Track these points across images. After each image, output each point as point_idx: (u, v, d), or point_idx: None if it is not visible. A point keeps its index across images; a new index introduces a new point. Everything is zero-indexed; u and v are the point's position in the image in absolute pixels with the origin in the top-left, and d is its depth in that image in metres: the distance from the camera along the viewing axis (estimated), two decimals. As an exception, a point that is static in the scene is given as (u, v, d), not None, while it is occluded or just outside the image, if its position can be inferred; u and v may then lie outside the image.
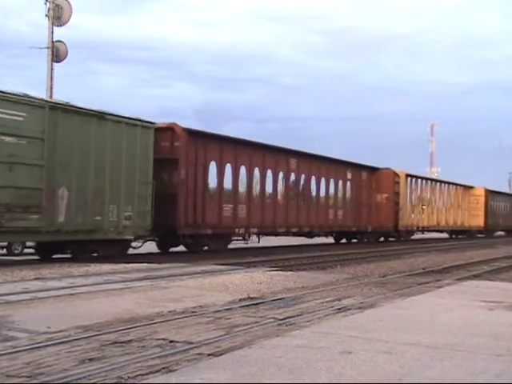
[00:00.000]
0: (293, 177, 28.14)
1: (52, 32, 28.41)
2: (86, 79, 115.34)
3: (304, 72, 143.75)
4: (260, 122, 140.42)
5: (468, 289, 12.66)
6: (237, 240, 25.16)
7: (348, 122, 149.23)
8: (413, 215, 40.49)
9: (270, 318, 8.35)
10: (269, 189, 26.57)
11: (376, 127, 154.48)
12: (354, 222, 33.10)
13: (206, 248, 22.77)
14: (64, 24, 28.56)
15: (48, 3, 28.22)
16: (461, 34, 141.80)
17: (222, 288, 11.97)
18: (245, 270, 15.72)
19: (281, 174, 27.14)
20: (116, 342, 6.59)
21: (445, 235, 50.45)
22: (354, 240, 34.49)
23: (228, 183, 23.78)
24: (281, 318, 8.41)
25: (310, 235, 30.81)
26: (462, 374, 5.56)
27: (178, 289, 11.56)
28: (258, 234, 26.33)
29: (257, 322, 8.03)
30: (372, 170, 35.48)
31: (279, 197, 27.30)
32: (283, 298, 10.52)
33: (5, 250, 20.74)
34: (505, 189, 79.21)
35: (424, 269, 18.12)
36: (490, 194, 55.76)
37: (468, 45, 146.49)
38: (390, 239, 38.14)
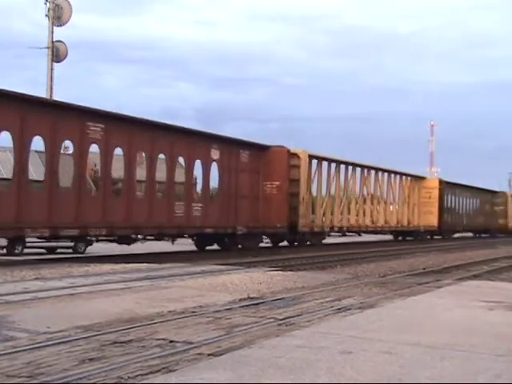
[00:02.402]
0: (94, 151, 19.25)
1: (52, 32, 28.48)
2: (89, 79, 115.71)
3: (306, 72, 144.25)
4: (261, 122, 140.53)
5: (468, 289, 12.66)
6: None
7: (349, 122, 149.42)
8: (327, 212, 30.95)
9: (270, 318, 8.35)
10: (36, 169, 18.58)
11: (376, 127, 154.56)
12: (223, 221, 23.69)
13: None
14: (64, 24, 28.63)
15: (48, 3, 28.28)
16: (463, 34, 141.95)
17: (221, 288, 11.96)
18: (245, 270, 15.71)
19: (66, 145, 18.95)
20: (116, 342, 6.58)
21: (387, 237, 41.43)
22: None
23: None
24: (281, 318, 8.40)
25: (124, 240, 21.10)
26: (462, 374, 5.56)
27: (178, 289, 11.55)
28: None
29: (257, 322, 8.03)
30: (258, 148, 26.04)
31: (63, 181, 18.57)
32: (283, 298, 10.52)
33: (4, 249, 20.73)
34: (505, 189, 75.64)
35: (424, 269, 18.12)
36: (447, 186, 45.17)
37: (470, 45, 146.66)
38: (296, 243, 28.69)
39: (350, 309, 9.32)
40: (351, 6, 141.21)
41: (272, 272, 15.48)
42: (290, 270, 16.30)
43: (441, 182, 44.48)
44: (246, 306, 9.61)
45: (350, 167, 33.44)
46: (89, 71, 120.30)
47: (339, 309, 9.31)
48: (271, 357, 5.89)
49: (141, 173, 21.08)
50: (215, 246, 24.92)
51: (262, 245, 27.02)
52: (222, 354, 6.04)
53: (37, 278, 12.56)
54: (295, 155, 27.41)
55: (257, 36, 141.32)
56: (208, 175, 23.55)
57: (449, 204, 45.77)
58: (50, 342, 6.52)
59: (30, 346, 6.34)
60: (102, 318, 8.11)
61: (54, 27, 28.41)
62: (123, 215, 19.61)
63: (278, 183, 26.29)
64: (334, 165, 31.58)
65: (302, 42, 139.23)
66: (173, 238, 24.88)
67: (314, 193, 30.37)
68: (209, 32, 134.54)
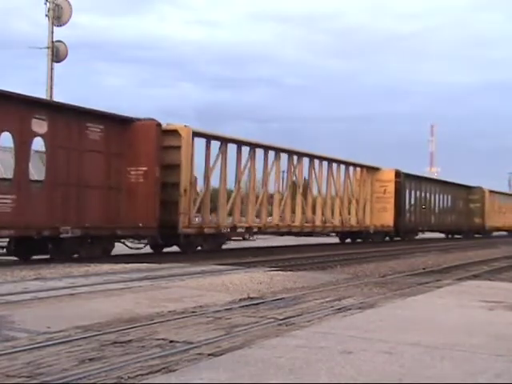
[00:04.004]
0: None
1: (52, 32, 28.48)
2: (90, 79, 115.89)
3: (307, 72, 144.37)
4: (262, 122, 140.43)
5: (468, 289, 12.66)
6: None
7: (349, 122, 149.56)
8: (235, 209, 24.52)
9: (270, 318, 8.35)
10: None
11: (377, 127, 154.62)
12: (52, 220, 17.08)
13: None
14: (64, 24, 28.64)
15: (48, 3, 28.28)
16: (463, 34, 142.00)
17: (221, 288, 11.96)
18: (245, 270, 15.71)
19: None
20: (116, 342, 6.58)
21: (331, 239, 35.24)
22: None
23: None
24: (281, 318, 8.40)
25: None
26: (462, 374, 5.56)
27: (178, 289, 11.55)
28: None
29: (257, 322, 8.03)
30: (117, 122, 19.23)
31: None
32: (283, 298, 10.51)
33: (5, 249, 20.69)
34: (505, 189, 73.09)
35: (424, 269, 18.13)
36: (408, 179, 38.55)
37: (470, 45, 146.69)
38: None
39: (350, 309, 9.32)
40: (352, 6, 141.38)
41: (272, 272, 15.47)
42: (290, 270, 16.29)
43: (398, 173, 37.01)
44: (246, 306, 9.61)
45: (272, 152, 26.80)
46: (90, 71, 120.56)
47: (339, 309, 9.31)
48: (271, 357, 5.89)
49: None
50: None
51: (132, 252, 20.72)
52: (222, 354, 6.04)
53: (37, 278, 12.56)
54: (174, 132, 20.81)
55: (258, 36, 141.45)
56: (25, 155, 16.59)
57: (411, 200, 39.48)
58: (50, 342, 6.52)
59: (30, 346, 6.34)
60: (101, 318, 8.11)
61: (54, 27, 28.42)
62: None
63: (144, 169, 19.46)
64: (246, 149, 24.99)
65: (303, 42, 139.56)
66: None
67: (217, 184, 24.43)
68: (210, 32, 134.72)
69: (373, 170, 36.04)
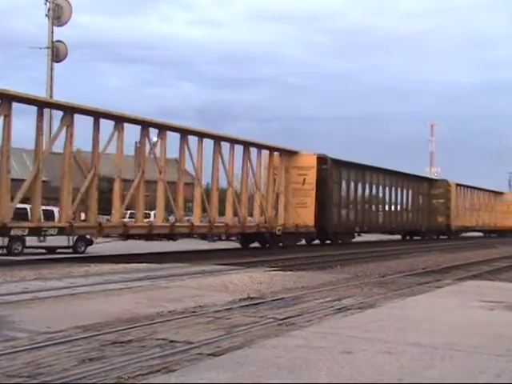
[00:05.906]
0: None
1: (52, 32, 28.52)
2: (92, 78, 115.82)
3: (308, 72, 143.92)
4: (263, 121, 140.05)
5: (468, 289, 12.66)
6: None
7: (350, 122, 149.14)
8: (33, 198, 17.26)
9: (269, 318, 8.35)
10: None
11: (377, 127, 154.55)
12: None
13: None
14: (64, 24, 28.69)
15: (48, 3, 28.32)
16: (464, 35, 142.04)
17: (221, 288, 11.97)
18: (245, 270, 15.71)
19: None
20: (116, 342, 6.58)
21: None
22: None
23: None
24: (281, 318, 8.40)
25: None
26: (462, 373, 5.56)
27: (178, 289, 11.56)
28: None
29: (257, 322, 8.03)
30: None
31: None
32: (283, 298, 10.52)
33: (5, 249, 20.72)
34: (505, 189, 70.68)
35: (424, 269, 18.12)
36: (338, 166, 30.59)
37: (471, 45, 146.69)
38: None
39: (350, 309, 9.33)
40: (353, 6, 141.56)
41: (272, 272, 15.48)
42: (290, 270, 16.29)
43: (322, 159, 29.15)
44: (246, 306, 9.61)
45: (110, 122, 19.24)
46: (91, 71, 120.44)
47: (339, 309, 9.31)
48: (271, 357, 5.89)
49: None
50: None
51: None
52: (221, 354, 6.04)
53: (37, 278, 12.57)
54: None
55: (260, 36, 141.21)
56: None
57: (350, 194, 32.25)
58: (50, 342, 6.53)
59: (30, 346, 6.34)
60: (101, 318, 8.11)
61: (56, 27, 28.46)
62: None
63: None
64: (84, 118, 18.39)
65: (303, 41, 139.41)
66: None
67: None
68: (211, 32, 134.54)
69: (288, 153, 28.13)
